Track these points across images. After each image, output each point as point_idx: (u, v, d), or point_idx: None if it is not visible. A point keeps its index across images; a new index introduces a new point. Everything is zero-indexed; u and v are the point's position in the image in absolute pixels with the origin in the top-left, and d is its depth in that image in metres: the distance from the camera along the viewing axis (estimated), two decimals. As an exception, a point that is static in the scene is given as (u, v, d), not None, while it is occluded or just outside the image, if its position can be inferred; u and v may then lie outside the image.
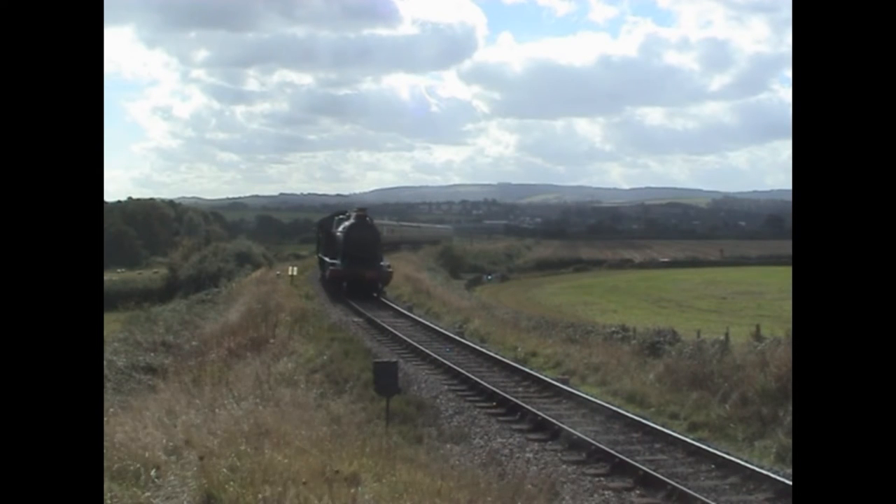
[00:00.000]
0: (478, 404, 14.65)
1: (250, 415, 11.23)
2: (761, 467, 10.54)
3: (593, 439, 11.78)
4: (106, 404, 11.14)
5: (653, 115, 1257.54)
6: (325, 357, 18.49)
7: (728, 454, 11.18)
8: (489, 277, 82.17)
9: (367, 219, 35.57)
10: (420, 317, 27.60)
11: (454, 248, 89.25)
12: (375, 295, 32.58)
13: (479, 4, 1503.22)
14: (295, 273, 43.03)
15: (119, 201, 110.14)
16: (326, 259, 37.54)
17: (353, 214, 35.73)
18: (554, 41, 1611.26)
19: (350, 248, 33.30)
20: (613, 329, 24.88)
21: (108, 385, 18.50)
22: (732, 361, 15.51)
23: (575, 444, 11.82)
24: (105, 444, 6.77)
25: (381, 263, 33.92)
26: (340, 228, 35.70)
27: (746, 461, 10.84)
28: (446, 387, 16.06)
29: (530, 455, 11.54)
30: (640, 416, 13.49)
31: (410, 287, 39.46)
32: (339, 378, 16.31)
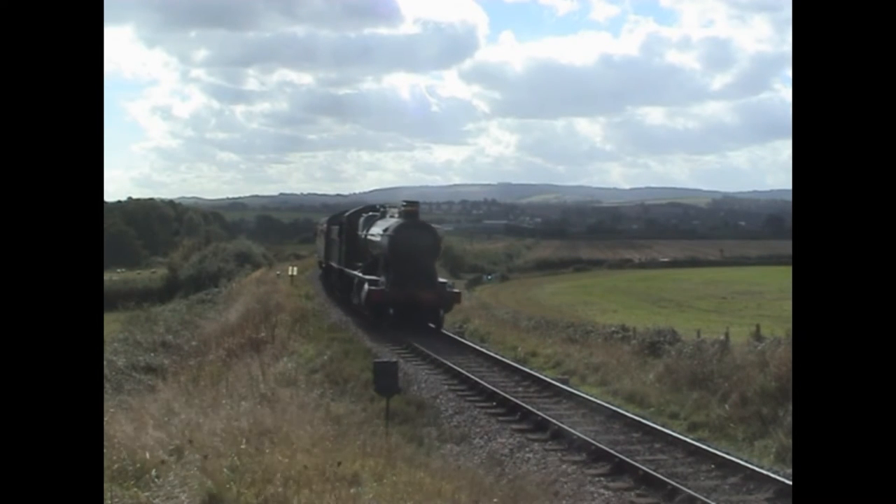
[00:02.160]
0: (478, 404, 14.65)
1: (250, 415, 11.23)
2: (761, 467, 10.54)
3: (593, 439, 11.78)
4: (106, 404, 11.13)
5: (654, 115, 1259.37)
6: (325, 357, 18.50)
7: (728, 454, 11.18)
8: (489, 277, 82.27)
9: (420, 217, 25.19)
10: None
11: (454, 247, 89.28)
12: (433, 326, 23.29)
13: (480, 3, 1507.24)
14: (295, 273, 43.08)
15: (119, 201, 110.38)
16: (356, 273, 26.58)
17: (400, 210, 25.27)
18: (555, 40, 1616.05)
19: (398, 260, 23.19)
20: (613, 329, 24.90)
21: (107, 385, 18.51)
22: (732, 361, 15.51)
23: (575, 444, 11.81)
24: (105, 444, 6.76)
25: (440, 281, 24.43)
26: (379, 230, 25.33)
27: (746, 461, 10.84)
28: (446, 387, 16.06)
29: (530, 455, 11.54)
30: (640, 416, 13.48)
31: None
32: (339, 378, 16.32)
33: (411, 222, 24.07)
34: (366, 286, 23.81)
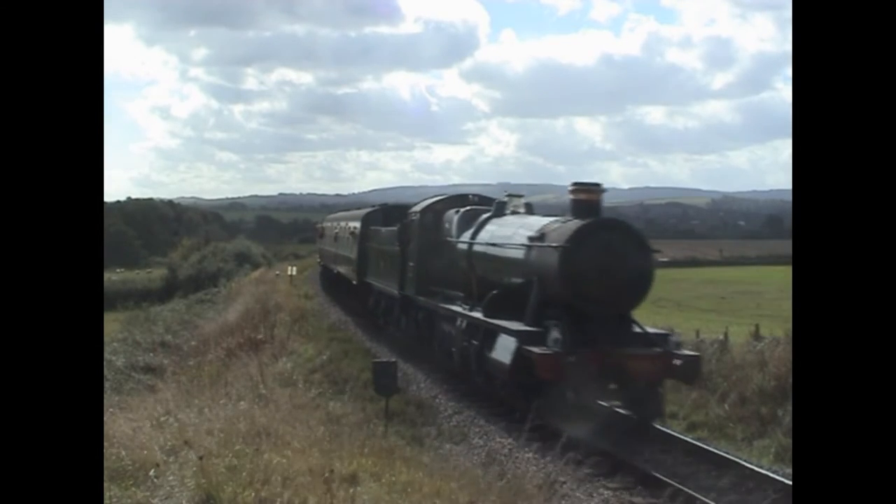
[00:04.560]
0: (477, 404, 14.63)
1: (248, 415, 11.23)
2: (760, 467, 10.54)
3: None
4: (105, 404, 11.13)
5: (654, 114, 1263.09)
6: (324, 357, 18.50)
7: (727, 454, 11.18)
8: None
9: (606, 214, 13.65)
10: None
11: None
12: (637, 419, 12.39)
13: (481, 2, 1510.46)
14: (294, 273, 43.15)
15: (118, 201, 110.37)
16: (467, 313, 14.64)
17: (573, 200, 13.28)
18: (556, 39, 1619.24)
19: (582, 295, 12.24)
20: (612, 329, 24.81)
21: (106, 385, 18.51)
22: (731, 361, 15.51)
23: (574, 444, 11.79)
24: (104, 443, 6.77)
25: (656, 332, 13.13)
26: (514, 237, 14.11)
27: (745, 461, 10.84)
28: (446, 386, 16.05)
29: (529, 454, 11.52)
30: (640, 416, 13.46)
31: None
32: (338, 378, 16.32)
33: (601, 223, 12.93)
34: (511, 343, 12.21)
